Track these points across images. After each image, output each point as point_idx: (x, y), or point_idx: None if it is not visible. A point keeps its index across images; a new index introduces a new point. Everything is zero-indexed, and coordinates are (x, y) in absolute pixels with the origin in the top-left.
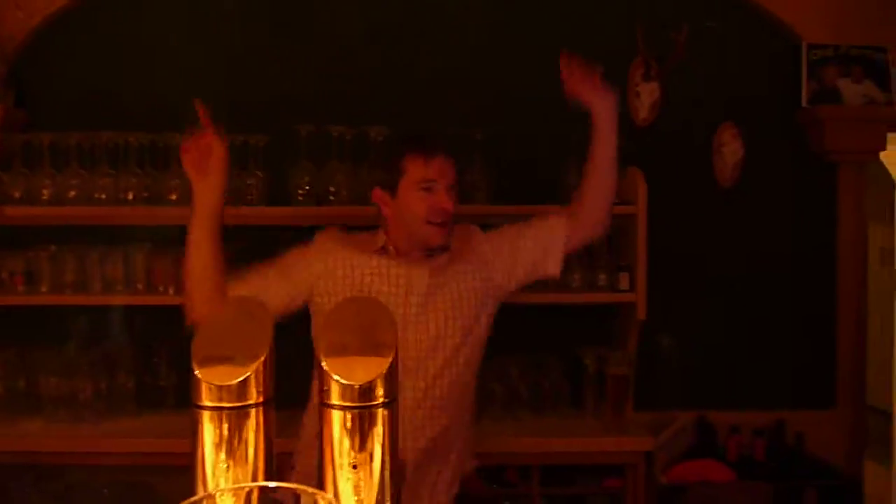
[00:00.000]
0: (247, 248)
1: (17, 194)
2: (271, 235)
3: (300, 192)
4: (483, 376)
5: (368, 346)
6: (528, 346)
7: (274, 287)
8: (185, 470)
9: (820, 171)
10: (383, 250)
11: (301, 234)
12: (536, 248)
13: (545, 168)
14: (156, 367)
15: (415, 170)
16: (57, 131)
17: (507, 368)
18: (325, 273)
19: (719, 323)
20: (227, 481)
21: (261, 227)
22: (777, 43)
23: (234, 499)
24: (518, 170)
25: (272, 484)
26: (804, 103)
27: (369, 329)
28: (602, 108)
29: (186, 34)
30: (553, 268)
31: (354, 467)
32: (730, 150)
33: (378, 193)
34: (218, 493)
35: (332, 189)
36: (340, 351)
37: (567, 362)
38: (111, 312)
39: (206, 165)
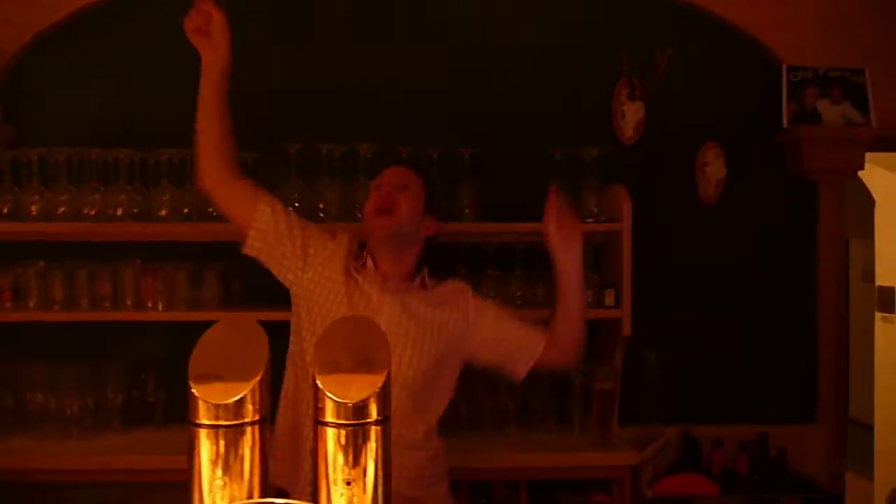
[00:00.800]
0: (232, 264)
1: (5, 210)
2: None
3: (290, 208)
4: (471, 392)
5: (362, 364)
6: None
7: (286, 226)
8: (172, 486)
9: (800, 190)
10: (369, 269)
11: None
12: (515, 345)
13: (532, 187)
14: (143, 384)
15: (373, 186)
16: (45, 147)
17: (494, 384)
18: (322, 262)
19: (703, 338)
20: (223, 498)
21: None
22: (758, 64)
23: None
24: (505, 188)
25: (269, 500)
26: (785, 124)
27: (363, 348)
28: (570, 259)
29: (175, 51)
30: (521, 370)
31: (348, 483)
32: (713, 168)
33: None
34: None
35: (321, 205)
36: (334, 368)
37: (553, 378)
38: (99, 329)
39: (207, 31)
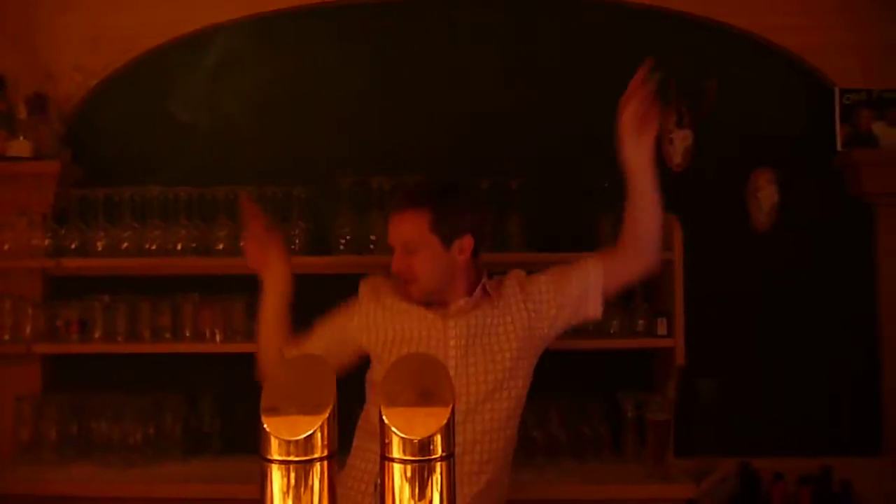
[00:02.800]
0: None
1: (73, 246)
2: (314, 284)
3: (342, 241)
4: (523, 422)
5: (426, 400)
6: (567, 392)
7: (328, 346)
8: None
9: (857, 214)
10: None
11: (342, 282)
12: (578, 292)
13: (579, 216)
14: (201, 414)
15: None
16: (110, 186)
17: (547, 414)
18: (366, 325)
19: (760, 367)
20: None
21: (304, 276)
22: (809, 87)
23: None
24: (553, 219)
25: None
26: (839, 147)
27: (427, 384)
28: (640, 152)
29: (230, 92)
30: (594, 310)
31: None
32: (765, 194)
33: (469, 240)
34: None
35: (372, 238)
36: (399, 404)
37: (607, 408)
38: (160, 360)
39: (266, 257)
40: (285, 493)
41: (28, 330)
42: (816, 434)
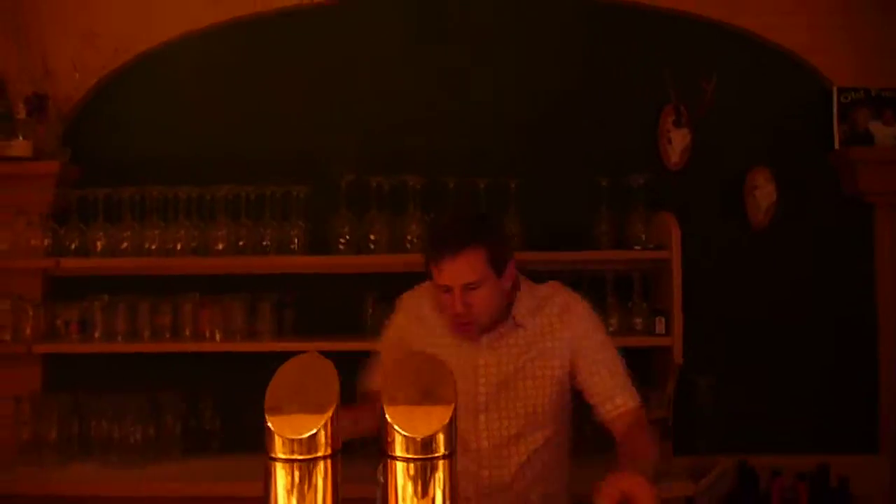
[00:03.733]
0: (289, 297)
1: (72, 246)
2: (313, 283)
3: (341, 240)
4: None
5: (429, 399)
6: None
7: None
8: None
9: (855, 213)
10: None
11: (342, 281)
12: (582, 378)
13: (579, 215)
14: (201, 413)
15: (434, 274)
16: (110, 186)
17: None
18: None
19: (758, 365)
20: None
21: (303, 276)
22: (807, 86)
23: None
24: (552, 217)
25: None
26: (836, 146)
27: (429, 384)
28: None
29: (230, 91)
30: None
31: None
32: (763, 192)
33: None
34: None
35: (371, 237)
36: (402, 404)
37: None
38: (159, 359)
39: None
40: (289, 491)
41: (28, 330)
42: (814, 432)
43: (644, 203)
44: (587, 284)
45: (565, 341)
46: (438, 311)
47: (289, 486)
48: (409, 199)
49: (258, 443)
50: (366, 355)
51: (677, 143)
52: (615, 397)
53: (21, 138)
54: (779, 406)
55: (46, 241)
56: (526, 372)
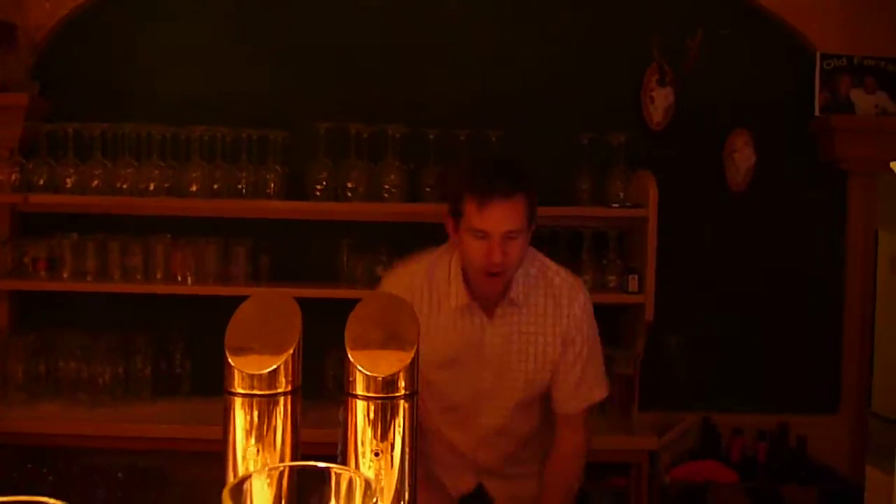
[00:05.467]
0: (264, 242)
1: (40, 182)
2: (288, 229)
3: (318, 187)
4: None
5: (392, 340)
6: None
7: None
8: (197, 455)
9: (831, 179)
10: (466, 305)
11: (318, 227)
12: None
13: (559, 171)
14: (171, 355)
15: (470, 215)
16: (80, 122)
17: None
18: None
19: (726, 326)
20: (256, 465)
21: (279, 221)
22: (791, 51)
23: (267, 480)
24: (530, 172)
25: (304, 463)
26: (816, 112)
27: (393, 324)
28: None
29: (208, 29)
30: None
31: (377, 454)
32: (742, 155)
33: (446, 217)
34: (254, 475)
35: (349, 185)
36: (365, 344)
37: None
38: (130, 300)
39: None
40: (248, 428)
41: None
42: (778, 392)
43: (624, 161)
44: (564, 241)
45: (562, 327)
46: (468, 262)
47: (247, 422)
48: (389, 148)
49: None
50: (340, 303)
51: (660, 102)
52: (572, 400)
53: None
54: (745, 366)
55: (14, 176)
56: (528, 352)
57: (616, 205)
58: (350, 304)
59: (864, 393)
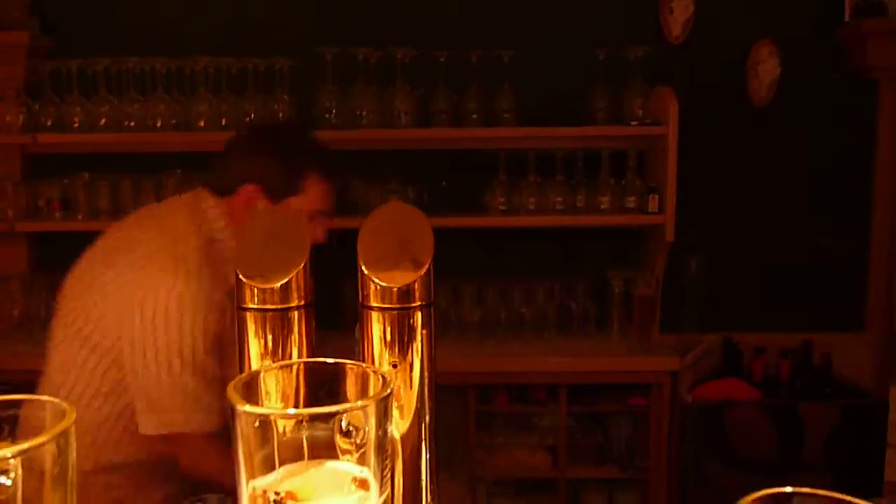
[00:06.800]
0: None
1: (48, 122)
2: None
3: (327, 115)
4: (511, 298)
5: (406, 250)
6: (555, 269)
7: None
8: None
9: (860, 90)
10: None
11: None
12: None
13: (574, 89)
14: None
15: (314, 196)
16: (83, 58)
17: (534, 291)
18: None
19: (749, 244)
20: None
21: None
22: None
23: (279, 376)
24: (546, 91)
25: (318, 360)
26: (847, 17)
27: (407, 234)
28: None
29: None
30: None
31: (394, 366)
32: (766, 67)
33: (254, 191)
34: (264, 370)
35: (358, 112)
36: (378, 255)
37: (595, 284)
38: None
39: None
40: (261, 347)
41: (10, 209)
42: (802, 310)
43: (642, 77)
44: (582, 161)
45: None
46: None
47: (261, 338)
48: (398, 73)
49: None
50: (351, 232)
51: (679, 13)
52: None
53: None
54: (768, 284)
55: (21, 117)
56: None
57: (634, 123)
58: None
59: (890, 310)
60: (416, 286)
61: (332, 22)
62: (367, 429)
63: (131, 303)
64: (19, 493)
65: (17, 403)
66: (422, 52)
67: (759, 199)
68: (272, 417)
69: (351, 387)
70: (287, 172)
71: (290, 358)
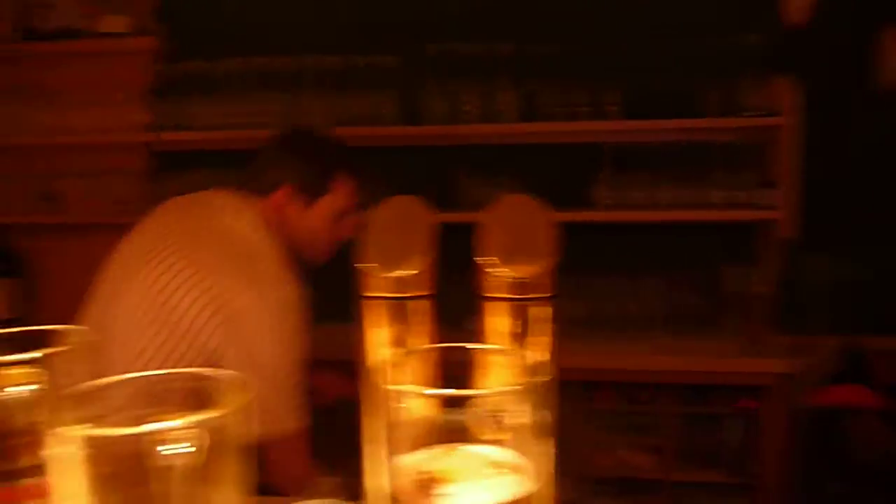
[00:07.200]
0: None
1: (171, 122)
2: (405, 156)
3: (432, 111)
4: (617, 294)
5: (524, 242)
6: (666, 265)
7: None
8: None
9: None
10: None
11: (433, 154)
12: None
13: (682, 81)
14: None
15: (343, 195)
16: (204, 60)
17: (642, 287)
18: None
19: (874, 241)
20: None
21: (394, 149)
22: None
23: (412, 361)
24: (652, 83)
25: (455, 345)
26: None
27: (524, 228)
28: None
29: None
30: None
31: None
32: (893, 52)
33: (289, 193)
34: (395, 357)
35: (463, 108)
36: (496, 248)
37: (705, 281)
38: None
39: None
40: (383, 336)
41: (135, 203)
42: None
43: (757, 65)
44: (692, 155)
45: None
46: (314, 240)
47: (383, 328)
48: (501, 68)
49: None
50: (458, 226)
51: None
52: None
53: (116, 14)
54: (891, 286)
55: (147, 117)
56: None
57: (749, 113)
58: (470, 229)
59: None
60: (540, 278)
61: (437, 18)
62: (514, 414)
63: (234, 308)
64: (200, 462)
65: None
66: (525, 46)
67: (887, 192)
68: (418, 397)
69: (489, 372)
70: (318, 173)
71: (412, 347)
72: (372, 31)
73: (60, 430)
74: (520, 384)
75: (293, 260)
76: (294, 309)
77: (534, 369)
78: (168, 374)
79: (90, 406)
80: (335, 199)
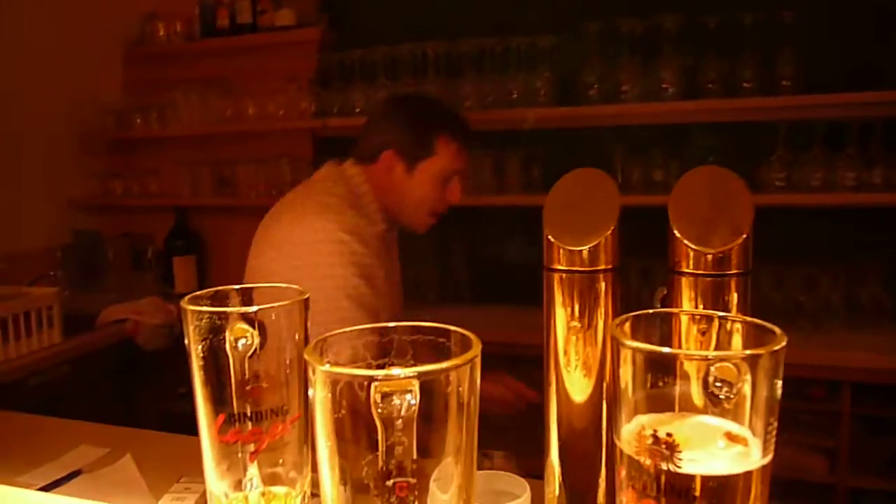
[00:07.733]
0: (533, 151)
1: (335, 108)
2: (562, 136)
3: (590, 91)
4: (788, 284)
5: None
6: (842, 253)
7: None
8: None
9: None
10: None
11: (591, 134)
12: None
13: (867, 49)
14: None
15: (446, 156)
16: (364, 47)
17: (816, 278)
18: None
19: None
20: (577, 341)
21: (551, 130)
22: None
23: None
24: (834, 54)
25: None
26: None
27: (722, 197)
28: None
29: None
30: None
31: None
32: None
33: (392, 157)
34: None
35: (623, 88)
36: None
37: (890, 272)
38: None
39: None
40: (568, 309)
41: None
42: None
43: None
44: (880, 131)
45: None
46: (417, 204)
47: (567, 301)
48: (664, 43)
49: (504, 295)
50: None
51: None
52: None
53: (284, 8)
54: None
55: (312, 104)
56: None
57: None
58: (627, 210)
59: None
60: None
61: None
62: (744, 385)
63: (297, 253)
64: (419, 412)
65: None
66: (689, 19)
67: None
68: (677, 357)
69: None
70: (419, 135)
71: (596, 322)
72: (527, 10)
73: (321, 370)
74: (757, 352)
75: (392, 228)
76: (350, 243)
77: (777, 339)
78: (395, 326)
79: (328, 354)
80: (438, 161)
